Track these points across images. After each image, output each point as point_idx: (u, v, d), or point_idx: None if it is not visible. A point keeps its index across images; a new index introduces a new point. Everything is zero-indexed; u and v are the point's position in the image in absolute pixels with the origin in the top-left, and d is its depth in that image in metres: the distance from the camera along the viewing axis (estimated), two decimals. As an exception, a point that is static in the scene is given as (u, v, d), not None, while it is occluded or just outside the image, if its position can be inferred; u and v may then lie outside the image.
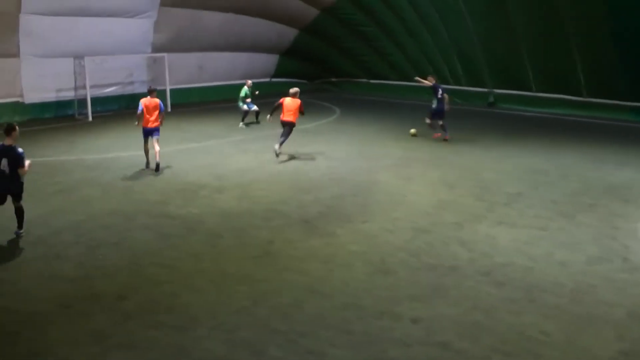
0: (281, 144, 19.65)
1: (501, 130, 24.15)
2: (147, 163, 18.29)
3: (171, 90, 31.15)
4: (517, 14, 26.40)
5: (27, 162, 12.15)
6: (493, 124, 26.11)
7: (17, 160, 11.92)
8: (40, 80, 27.44)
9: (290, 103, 19.57)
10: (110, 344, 8.13)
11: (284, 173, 17.59)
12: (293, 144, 21.07)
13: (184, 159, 19.36)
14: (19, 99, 27.35)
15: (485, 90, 31.41)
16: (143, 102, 17.97)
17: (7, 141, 12.00)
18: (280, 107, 19.64)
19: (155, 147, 17.84)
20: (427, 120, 22.79)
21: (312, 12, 34.37)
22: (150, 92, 18.37)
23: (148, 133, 18.05)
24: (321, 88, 39.55)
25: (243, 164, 18.63)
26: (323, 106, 31.84)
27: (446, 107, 22.13)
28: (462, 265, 10.57)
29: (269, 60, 37.74)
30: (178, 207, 14.34)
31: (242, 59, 36.01)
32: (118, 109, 30.17)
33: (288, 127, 19.73)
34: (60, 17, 26.79)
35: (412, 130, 23.40)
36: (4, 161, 11.87)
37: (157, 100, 18.16)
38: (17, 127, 12.23)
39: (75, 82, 28.41)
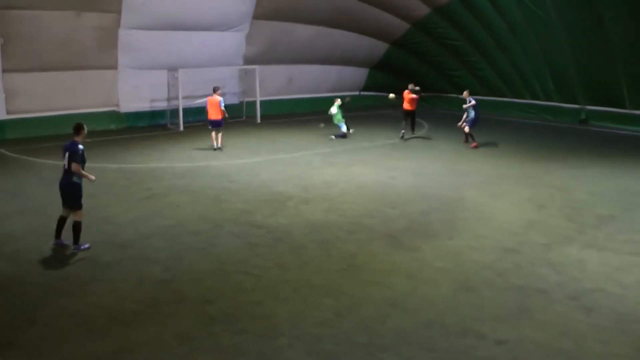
0: (405, 128, 25.81)
1: (594, 149, 23.37)
2: (213, 146, 23.34)
3: (261, 101, 31.62)
4: (613, 26, 25.44)
5: (85, 174, 12.24)
6: (585, 142, 25.33)
7: (73, 155, 12.06)
8: (135, 91, 28.63)
9: (406, 95, 25.74)
10: (194, 346, 8.32)
11: (370, 186, 17.58)
12: (381, 157, 21.25)
13: (272, 170, 19.61)
14: (115, 108, 28.58)
15: (577, 106, 30.59)
16: (208, 99, 23.52)
17: (75, 138, 12.33)
18: (402, 98, 26.03)
19: (218, 135, 23.28)
20: (467, 129, 24.51)
21: (403, 26, 34.30)
22: (214, 91, 23.54)
23: (211, 124, 23.39)
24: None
25: (330, 176, 18.71)
26: (411, 121, 31.74)
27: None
28: (550, 288, 10.28)
29: (358, 74, 37.88)
30: (265, 217, 14.52)
31: (331, 72, 36.30)
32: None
33: (405, 114, 25.95)
34: (156, 32, 27.89)
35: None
36: (67, 154, 12.17)
37: (218, 99, 23.17)
38: (85, 127, 12.60)
39: (169, 93, 29.22)
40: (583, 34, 27.04)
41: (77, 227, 12.16)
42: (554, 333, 8.67)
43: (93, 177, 12.41)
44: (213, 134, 23.36)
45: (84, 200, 12.51)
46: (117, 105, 28.62)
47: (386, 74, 38.00)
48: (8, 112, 25.66)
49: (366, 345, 8.31)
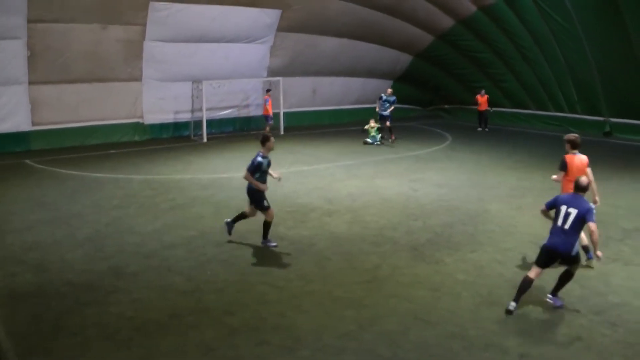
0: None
1: (618, 162, 23.13)
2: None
3: (285, 113, 31.73)
4: (638, 38, 25.34)
5: (263, 185, 12.76)
6: (609, 154, 25.05)
7: (250, 164, 12.72)
8: (159, 103, 28.89)
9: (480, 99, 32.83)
10: (216, 356, 8.38)
11: (394, 199, 17.56)
12: (404, 169, 21.26)
13: (295, 181, 19.63)
14: (140, 120, 28.80)
15: (601, 119, 30.36)
16: (269, 99, 29.72)
17: (262, 151, 12.78)
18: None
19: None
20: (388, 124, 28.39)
21: (428, 38, 34.37)
22: (267, 92, 30.02)
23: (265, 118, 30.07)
24: (434, 114, 39.37)
25: (354, 189, 18.71)
26: (435, 133, 31.69)
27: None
28: (574, 302, 10.19)
29: (382, 86, 37.78)
30: (288, 229, 14.55)
31: (355, 84, 36.38)
32: (233, 130, 31.04)
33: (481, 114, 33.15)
34: (180, 44, 28.17)
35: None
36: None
37: (268, 98, 29.75)
38: (271, 139, 12.92)
39: (193, 104, 29.40)
40: (607, 46, 26.93)
41: (265, 225, 13.07)
42: (578, 348, 8.60)
43: (264, 187, 12.82)
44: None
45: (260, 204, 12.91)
46: (141, 116, 28.82)
47: (410, 85, 38.00)
48: (34, 124, 25.92)
49: (388, 357, 8.30)
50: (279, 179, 13.42)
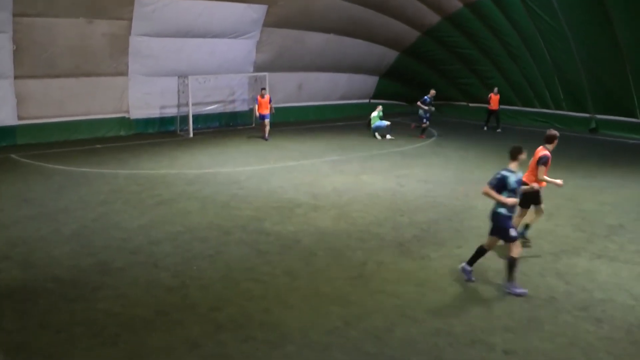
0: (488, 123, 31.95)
1: (603, 158, 23.30)
2: (264, 136, 27.76)
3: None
4: (624, 36, 25.45)
5: (509, 199, 10.34)
6: (595, 151, 25.25)
7: (491, 179, 10.62)
8: (145, 98, 28.79)
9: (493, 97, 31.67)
10: (203, 353, 8.36)
11: (380, 194, 17.58)
12: (391, 165, 21.26)
13: (281, 177, 19.64)
14: (125, 115, 28.65)
15: (587, 115, 30.47)
16: (258, 97, 27.92)
17: (511, 165, 10.61)
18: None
19: (267, 126, 27.66)
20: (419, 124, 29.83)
21: (414, 34, 34.36)
22: (262, 90, 28.08)
23: (262, 117, 27.64)
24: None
25: (340, 184, 18.72)
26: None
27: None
28: (559, 298, 10.25)
29: (368, 82, 37.90)
30: (274, 224, 14.54)
31: (341, 80, 36.32)
32: (219, 126, 30.99)
33: (492, 112, 31.74)
34: (167, 39, 28.07)
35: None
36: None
37: (268, 96, 27.82)
38: (521, 152, 10.69)
39: (179, 99, 29.34)
40: (594, 43, 27.02)
41: (511, 263, 10.51)
42: (563, 344, 8.65)
43: (513, 201, 10.44)
44: (266, 127, 27.94)
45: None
46: (127, 111, 28.70)
47: (396, 82, 38.01)
48: (19, 118, 25.74)
49: (375, 354, 8.33)
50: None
